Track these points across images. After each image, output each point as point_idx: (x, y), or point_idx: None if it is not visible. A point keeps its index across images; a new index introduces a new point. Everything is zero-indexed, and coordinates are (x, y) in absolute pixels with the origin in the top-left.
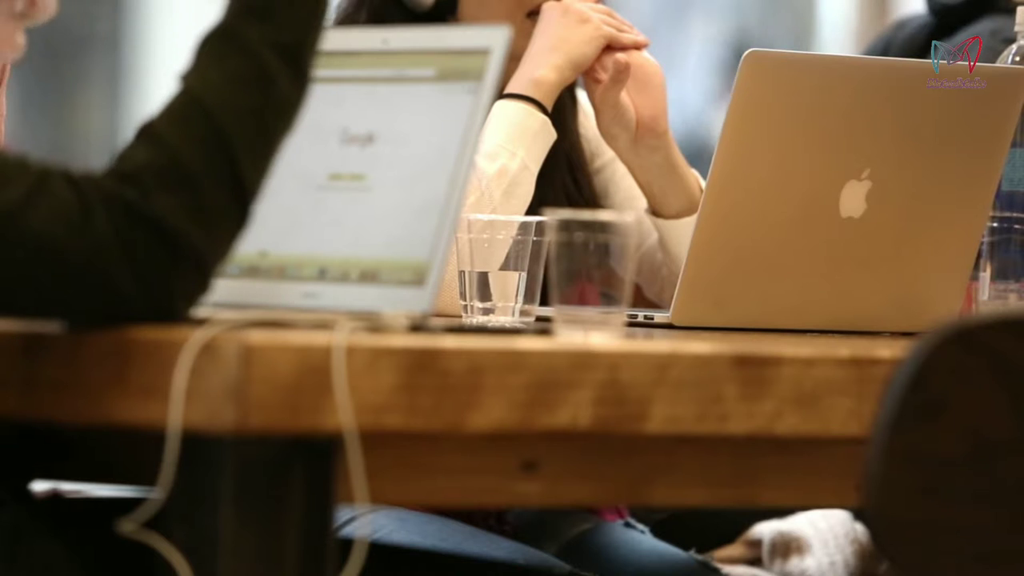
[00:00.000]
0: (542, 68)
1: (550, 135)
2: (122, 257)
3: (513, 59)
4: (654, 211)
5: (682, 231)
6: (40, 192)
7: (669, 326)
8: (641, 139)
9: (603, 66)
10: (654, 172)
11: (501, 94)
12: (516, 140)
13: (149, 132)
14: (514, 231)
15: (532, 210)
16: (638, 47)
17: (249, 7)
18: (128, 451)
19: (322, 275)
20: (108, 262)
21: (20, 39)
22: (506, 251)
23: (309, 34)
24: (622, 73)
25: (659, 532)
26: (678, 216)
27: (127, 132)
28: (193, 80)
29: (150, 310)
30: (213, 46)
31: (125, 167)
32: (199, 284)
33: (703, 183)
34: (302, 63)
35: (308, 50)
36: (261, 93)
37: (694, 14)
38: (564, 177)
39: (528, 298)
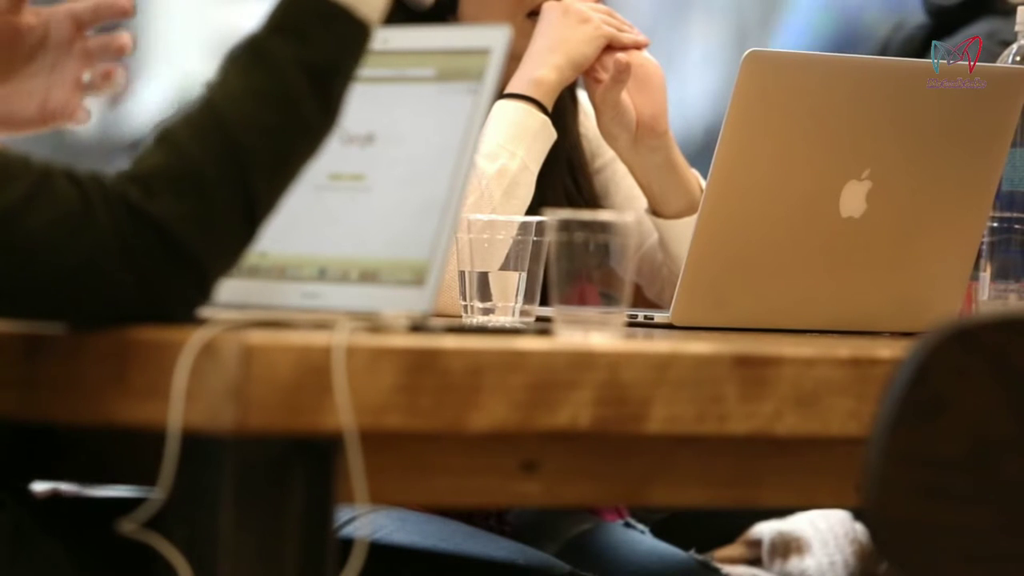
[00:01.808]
0: (542, 68)
1: (550, 135)
2: (120, 257)
3: (513, 59)
4: (654, 211)
5: (682, 231)
6: (41, 191)
7: (669, 326)
8: (641, 139)
9: (603, 66)
10: (654, 172)
11: (501, 94)
12: (516, 140)
13: (165, 137)
14: (514, 231)
15: (532, 210)
16: (638, 47)
17: (281, 25)
18: (128, 451)
19: (322, 275)
20: (106, 261)
21: (84, 110)
22: (506, 251)
23: (342, 60)
24: (622, 73)
25: (659, 532)
26: (678, 216)
27: (126, 132)
28: (216, 91)
29: (147, 312)
30: (240, 59)
31: (135, 169)
32: (198, 291)
33: (703, 183)
34: (330, 88)
35: (339, 76)
36: (283, 112)
37: (694, 14)
38: (564, 177)
39: (528, 298)
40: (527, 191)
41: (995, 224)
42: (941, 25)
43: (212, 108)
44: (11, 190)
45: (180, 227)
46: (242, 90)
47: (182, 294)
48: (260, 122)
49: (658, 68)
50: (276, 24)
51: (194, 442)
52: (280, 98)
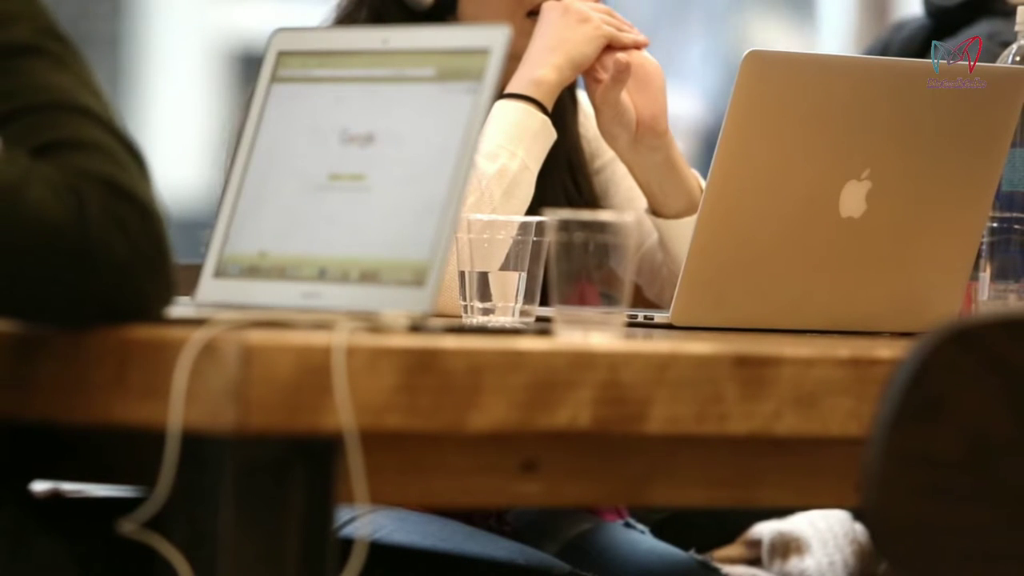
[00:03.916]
0: (542, 68)
1: (550, 135)
2: (118, 234)
3: (513, 58)
4: (654, 211)
5: (682, 231)
6: (34, 177)
7: (669, 326)
8: (641, 139)
9: (603, 66)
10: (654, 172)
11: (501, 94)
12: (516, 140)
13: (45, 147)
14: (514, 231)
15: (532, 211)
16: (638, 46)
17: None
18: (129, 451)
19: (322, 275)
20: (105, 240)
21: None
22: (506, 251)
23: (47, 13)
24: (622, 73)
25: (659, 532)
26: (678, 216)
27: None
28: (17, 100)
29: (152, 281)
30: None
31: (71, 167)
32: (169, 239)
33: (703, 183)
34: (63, 38)
35: (58, 25)
36: (66, 69)
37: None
38: (564, 178)
39: (528, 298)
40: (527, 191)
41: (995, 224)
42: (941, 25)
43: (38, 104)
44: (3, 175)
45: (135, 185)
46: (38, 77)
47: (161, 244)
48: (66, 82)
49: (658, 68)
50: None
51: (194, 442)
52: (57, 62)
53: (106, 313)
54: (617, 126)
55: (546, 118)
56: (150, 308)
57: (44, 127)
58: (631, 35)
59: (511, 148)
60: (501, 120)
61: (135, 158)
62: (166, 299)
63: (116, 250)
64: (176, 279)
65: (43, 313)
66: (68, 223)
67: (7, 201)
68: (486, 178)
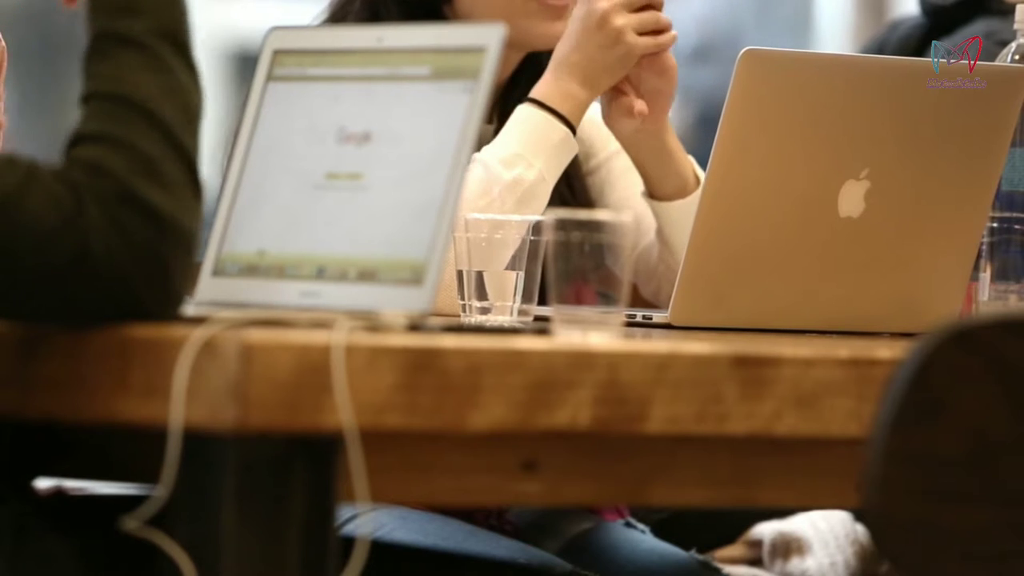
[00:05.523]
0: (575, 84)
1: (571, 149)
2: (118, 240)
3: (513, 47)
4: (651, 193)
5: (676, 215)
6: (32, 183)
7: (667, 326)
8: (641, 132)
9: (629, 81)
10: (651, 155)
11: (527, 96)
12: (535, 151)
13: (88, 137)
14: (513, 231)
15: None
16: (662, 32)
17: (116, 7)
18: (131, 449)
19: (320, 274)
20: (104, 246)
21: None
22: (507, 251)
23: (179, 19)
24: (638, 111)
25: (659, 532)
26: (671, 198)
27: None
28: (99, 82)
29: (150, 292)
30: (103, 50)
31: (92, 164)
32: (189, 259)
33: (696, 165)
34: (184, 47)
35: (186, 35)
36: (165, 76)
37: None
38: (560, 182)
39: (526, 298)
40: (541, 203)
41: (995, 224)
42: (938, 24)
43: (110, 95)
44: (2, 183)
45: (159, 201)
46: (125, 70)
47: (178, 263)
48: (155, 89)
49: (674, 70)
50: (110, 8)
51: (196, 440)
52: (156, 66)
53: (105, 314)
54: (622, 122)
55: (568, 132)
56: (148, 315)
57: (99, 116)
58: (661, 39)
59: (529, 158)
60: (523, 127)
61: (189, 179)
62: (167, 309)
63: (114, 251)
64: (182, 293)
65: (42, 316)
66: (65, 229)
67: (3, 213)
68: (500, 184)
